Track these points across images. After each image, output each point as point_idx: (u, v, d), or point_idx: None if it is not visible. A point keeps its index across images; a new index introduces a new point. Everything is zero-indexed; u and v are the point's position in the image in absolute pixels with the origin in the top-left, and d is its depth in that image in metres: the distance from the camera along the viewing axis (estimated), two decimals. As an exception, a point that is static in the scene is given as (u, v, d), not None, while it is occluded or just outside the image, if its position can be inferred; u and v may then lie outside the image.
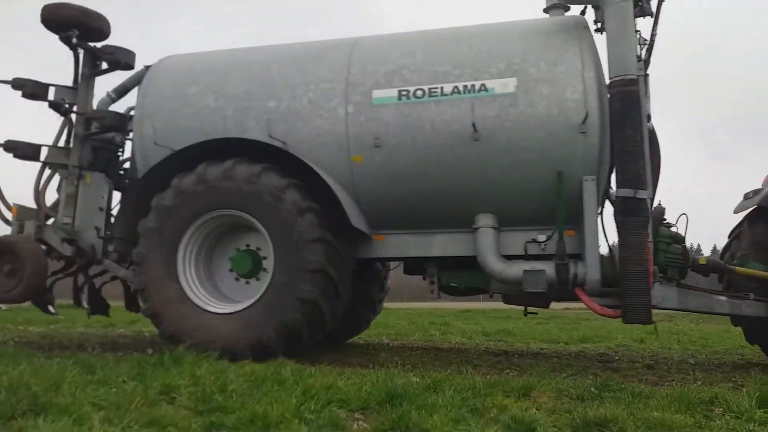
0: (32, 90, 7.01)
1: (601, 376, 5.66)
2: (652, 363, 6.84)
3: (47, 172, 7.28)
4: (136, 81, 7.30)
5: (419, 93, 5.98)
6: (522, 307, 6.61)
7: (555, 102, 5.74)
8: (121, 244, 6.90)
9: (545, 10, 6.68)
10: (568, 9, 6.50)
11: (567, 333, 10.81)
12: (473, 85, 5.88)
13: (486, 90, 5.84)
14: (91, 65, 7.34)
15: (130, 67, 7.37)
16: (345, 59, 6.35)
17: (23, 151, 7.08)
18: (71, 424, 3.20)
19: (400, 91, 6.03)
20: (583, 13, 6.42)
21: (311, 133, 6.16)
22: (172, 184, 6.18)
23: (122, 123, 7.17)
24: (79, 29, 7.06)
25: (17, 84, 6.98)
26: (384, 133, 5.98)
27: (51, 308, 7.48)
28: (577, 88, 5.72)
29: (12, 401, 3.40)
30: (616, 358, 7.41)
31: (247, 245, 6.40)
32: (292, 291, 5.70)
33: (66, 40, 7.09)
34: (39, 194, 7.20)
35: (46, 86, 7.14)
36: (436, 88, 5.94)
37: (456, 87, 5.90)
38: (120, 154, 7.72)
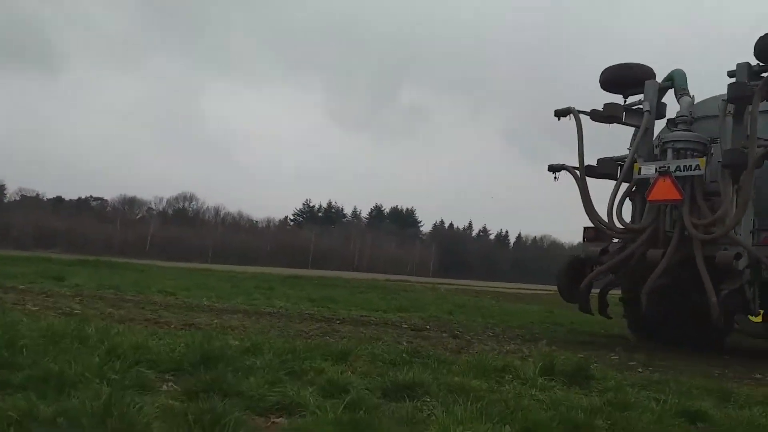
0: None
1: (413, 343, 6.06)
2: (458, 333, 7.47)
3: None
4: None
5: None
6: None
7: None
8: None
9: None
10: None
11: (387, 303, 11.36)
12: None
13: None
14: None
15: None
16: None
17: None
18: None
19: None
20: None
21: None
22: None
23: None
24: None
25: None
26: None
27: None
28: None
29: None
30: (428, 327, 7.97)
31: None
32: None
33: None
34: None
35: None
36: None
37: None
38: None
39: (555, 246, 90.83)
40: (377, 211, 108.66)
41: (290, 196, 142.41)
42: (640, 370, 5.83)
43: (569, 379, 4.57)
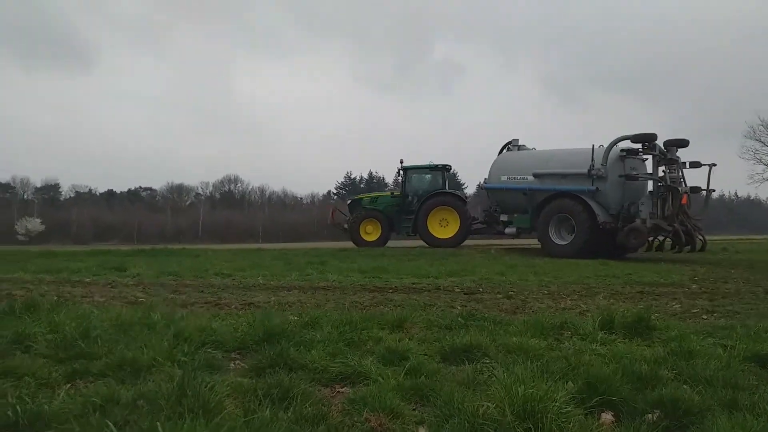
0: None
1: (467, 306, 6.08)
2: (511, 294, 7.44)
3: None
4: None
5: None
6: None
7: None
8: None
9: None
10: None
11: (437, 268, 11.38)
12: None
13: None
14: None
15: None
16: None
17: None
18: None
19: None
20: None
21: None
22: None
23: None
24: None
25: None
26: None
27: None
28: None
29: None
30: (480, 290, 7.96)
31: None
32: None
33: None
34: None
35: None
36: None
37: None
38: None
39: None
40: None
41: (330, 169, 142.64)
42: (704, 317, 5.70)
43: (630, 331, 4.51)
